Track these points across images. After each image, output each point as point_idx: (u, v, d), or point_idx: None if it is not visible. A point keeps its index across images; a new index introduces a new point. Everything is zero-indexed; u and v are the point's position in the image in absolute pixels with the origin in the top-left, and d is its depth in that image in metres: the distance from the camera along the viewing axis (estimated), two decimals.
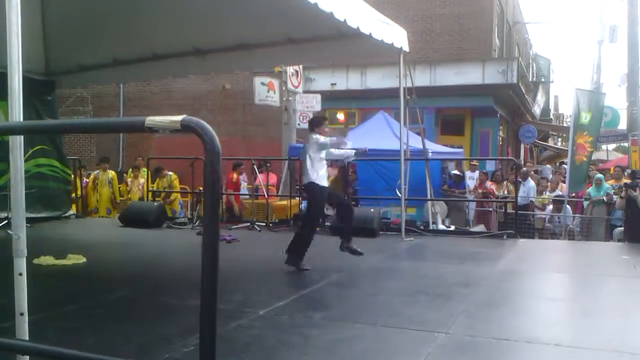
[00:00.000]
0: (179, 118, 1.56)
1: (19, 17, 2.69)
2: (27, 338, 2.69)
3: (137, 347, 3.73)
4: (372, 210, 9.63)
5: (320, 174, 6.28)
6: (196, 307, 4.30)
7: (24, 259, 2.75)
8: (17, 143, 2.68)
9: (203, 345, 1.54)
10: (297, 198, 11.54)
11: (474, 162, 14.28)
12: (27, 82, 2.71)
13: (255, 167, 11.21)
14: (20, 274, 2.71)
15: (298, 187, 10.75)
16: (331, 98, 17.44)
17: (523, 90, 19.43)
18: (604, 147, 24.90)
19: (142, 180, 12.83)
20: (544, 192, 13.17)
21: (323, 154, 6.36)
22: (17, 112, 2.64)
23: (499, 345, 3.90)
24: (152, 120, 1.57)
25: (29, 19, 2.77)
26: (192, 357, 3.57)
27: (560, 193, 12.37)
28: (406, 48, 8.46)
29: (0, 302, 4.35)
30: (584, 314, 4.88)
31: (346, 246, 6.52)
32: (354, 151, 6.95)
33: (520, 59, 19.74)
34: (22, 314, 2.71)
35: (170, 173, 12.53)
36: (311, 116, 15.23)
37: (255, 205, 12.03)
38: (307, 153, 6.31)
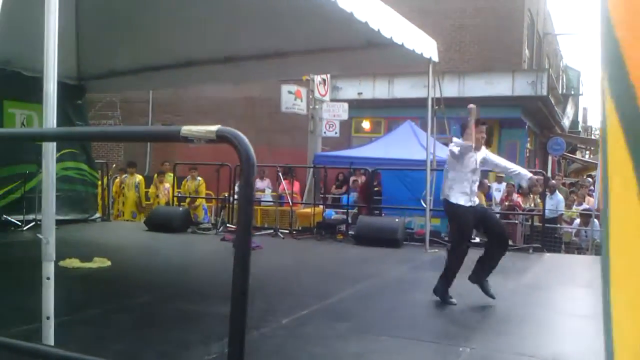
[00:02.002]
0: (214, 128, 1.54)
1: (56, 24, 2.72)
2: (52, 343, 2.70)
3: (158, 354, 3.73)
4: (396, 220, 9.58)
5: (456, 189, 5.37)
6: (218, 314, 4.30)
7: (52, 263, 2.77)
8: (49, 148, 2.70)
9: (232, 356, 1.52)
10: (321, 206, 11.53)
11: (500, 174, 14.18)
12: (60, 86, 2.74)
13: (280, 174, 11.21)
14: (48, 278, 2.72)
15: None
16: (358, 107, 17.43)
17: (553, 103, 19.20)
18: None
19: (167, 185, 12.92)
20: (573, 206, 12.98)
21: (466, 165, 5.40)
22: (51, 117, 2.67)
23: None
24: (188, 130, 1.57)
25: (62, 25, 2.79)
26: None
27: (588, 206, 12.16)
28: (436, 58, 8.43)
29: (26, 304, 4.44)
30: None
31: (479, 280, 5.46)
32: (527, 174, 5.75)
33: (550, 70, 19.51)
34: (48, 318, 2.72)
35: (199, 178, 12.63)
36: (337, 124, 15.28)
37: (279, 212, 12.03)
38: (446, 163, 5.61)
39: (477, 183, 5.58)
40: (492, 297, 5.30)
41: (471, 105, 5.45)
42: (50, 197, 2.69)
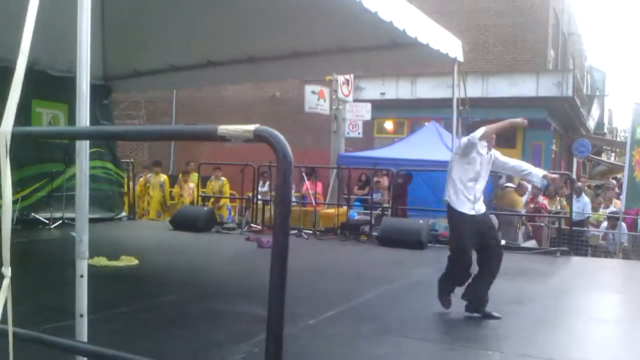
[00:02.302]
0: (251, 127, 1.55)
1: (89, 24, 2.74)
2: (85, 339, 2.72)
3: (187, 353, 3.74)
4: (420, 221, 9.53)
5: (460, 194, 4.88)
6: (246, 313, 4.31)
7: (86, 261, 2.78)
8: (83, 147, 2.73)
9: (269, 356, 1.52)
10: (344, 207, 11.51)
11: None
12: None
13: (303, 174, 11.21)
14: (82, 276, 2.74)
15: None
16: (381, 107, 17.38)
17: (578, 104, 18.96)
18: None
19: (191, 185, 13.01)
20: (599, 209, 12.81)
21: (472, 167, 4.91)
22: (84, 116, 2.69)
23: None
24: (225, 129, 1.57)
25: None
26: None
27: (615, 209, 12.00)
28: (461, 58, 8.37)
29: (56, 301, 4.49)
30: None
31: (474, 307, 4.91)
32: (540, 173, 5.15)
33: (575, 71, 19.28)
34: (81, 316, 2.74)
35: (223, 178, 12.70)
36: (360, 125, 15.23)
37: (302, 213, 12.03)
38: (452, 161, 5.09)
39: (482, 189, 5.03)
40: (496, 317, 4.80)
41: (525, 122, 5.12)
42: (84, 196, 2.72)
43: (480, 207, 4.94)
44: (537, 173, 5.13)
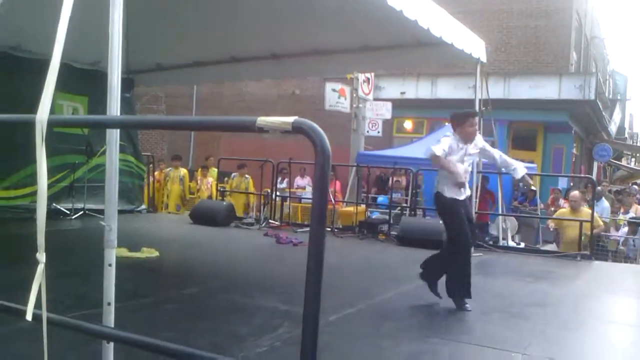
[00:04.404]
0: (290, 119, 1.55)
1: (120, 17, 2.77)
2: (113, 326, 2.75)
3: (210, 344, 3.75)
4: (440, 222, 9.46)
5: (449, 182, 5.05)
6: (266, 307, 4.32)
7: (114, 250, 2.81)
8: (113, 137, 2.75)
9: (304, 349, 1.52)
10: (363, 205, 11.50)
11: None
12: None
13: None
14: (110, 265, 2.77)
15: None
16: (400, 106, 17.33)
17: (600, 107, 18.77)
18: None
19: (210, 179, 13.08)
20: (618, 213, 12.68)
21: (460, 159, 5.11)
22: (115, 107, 2.72)
23: None
24: (264, 120, 1.57)
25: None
26: (265, 357, 3.59)
27: (635, 215, 11.87)
28: (484, 59, 8.32)
29: (82, 289, 4.54)
30: None
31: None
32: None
33: (598, 74, 19.09)
34: (109, 304, 2.76)
35: (248, 176, 12.66)
36: (380, 124, 15.21)
37: None
38: None
39: (468, 175, 5.28)
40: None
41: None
42: (114, 185, 2.74)
43: (467, 192, 5.22)
44: (520, 171, 5.36)
